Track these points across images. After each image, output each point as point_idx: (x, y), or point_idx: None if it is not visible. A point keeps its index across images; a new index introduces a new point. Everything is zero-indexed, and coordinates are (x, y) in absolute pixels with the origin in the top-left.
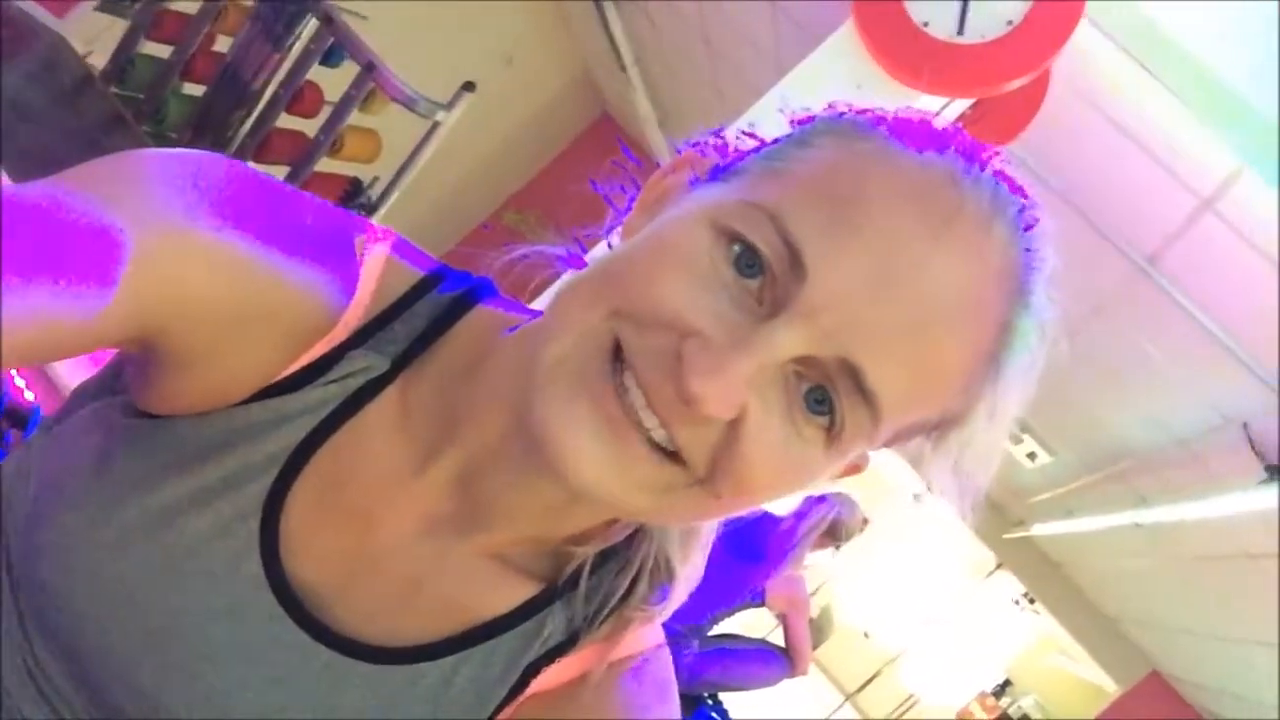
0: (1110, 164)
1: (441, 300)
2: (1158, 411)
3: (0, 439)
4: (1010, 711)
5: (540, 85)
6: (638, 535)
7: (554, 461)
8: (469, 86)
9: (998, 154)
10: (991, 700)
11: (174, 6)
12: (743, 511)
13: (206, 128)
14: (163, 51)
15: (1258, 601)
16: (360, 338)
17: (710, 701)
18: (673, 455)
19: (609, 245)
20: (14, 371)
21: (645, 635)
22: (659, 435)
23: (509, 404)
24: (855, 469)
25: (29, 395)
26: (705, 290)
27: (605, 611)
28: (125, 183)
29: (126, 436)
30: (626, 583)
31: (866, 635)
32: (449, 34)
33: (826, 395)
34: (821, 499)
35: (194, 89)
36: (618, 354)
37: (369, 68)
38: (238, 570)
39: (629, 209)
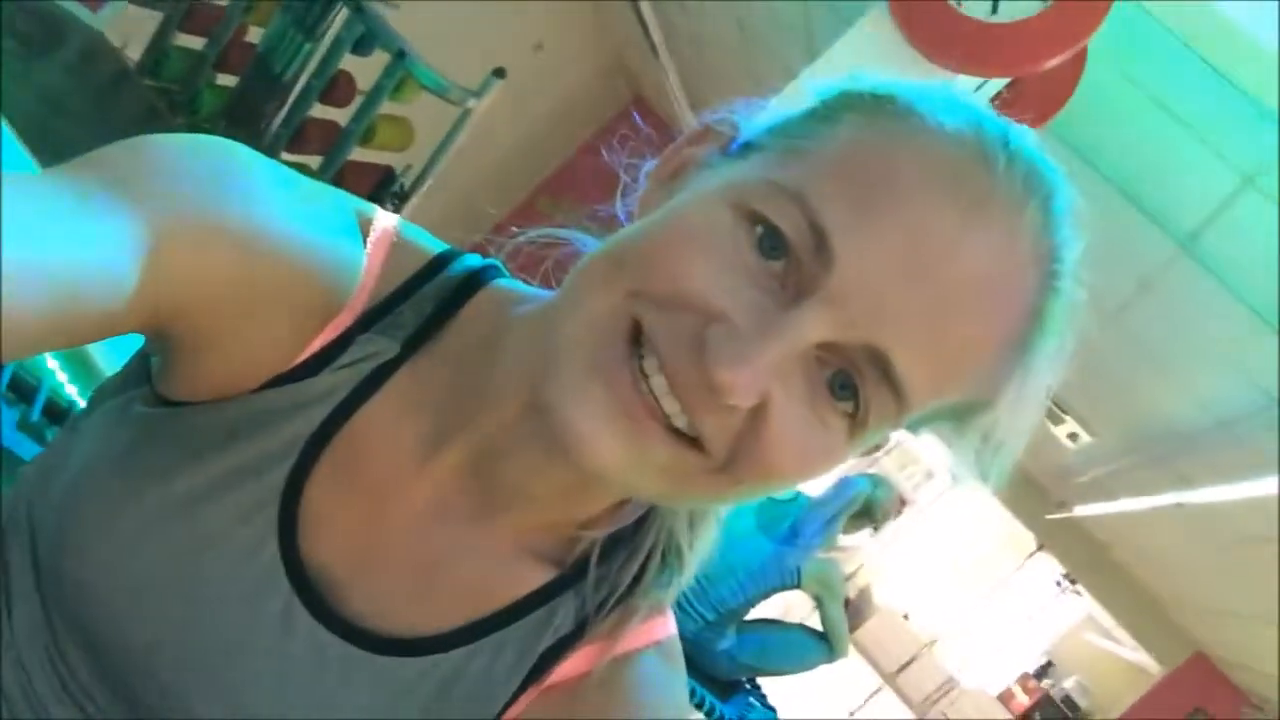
0: (1150, 141)
1: (449, 283)
2: (1200, 392)
3: (41, 437)
4: (1052, 693)
5: (571, 70)
6: (646, 520)
7: (568, 446)
8: (499, 73)
9: (1029, 132)
10: (1033, 682)
11: None
12: (759, 495)
13: (240, 119)
14: (196, 44)
15: None
16: (368, 322)
17: (749, 686)
18: (691, 440)
19: (621, 215)
20: (57, 366)
21: (654, 626)
22: (680, 421)
23: (523, 385)
24: (874, 449)
25: (71, 388)
26: (727, 272)
27: (614, 599)
28: (138, 168)
29: (145, 427)
30: (635, 568)
31: (906, 617)
32: (479, 21)
33: (850, 381)
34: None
35: (228, 80)
36: (635, 337)
37: (400, 56)
38: (255, 557)
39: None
